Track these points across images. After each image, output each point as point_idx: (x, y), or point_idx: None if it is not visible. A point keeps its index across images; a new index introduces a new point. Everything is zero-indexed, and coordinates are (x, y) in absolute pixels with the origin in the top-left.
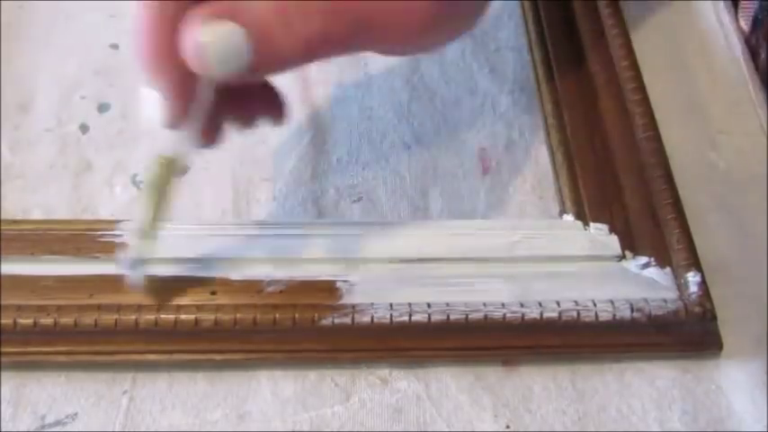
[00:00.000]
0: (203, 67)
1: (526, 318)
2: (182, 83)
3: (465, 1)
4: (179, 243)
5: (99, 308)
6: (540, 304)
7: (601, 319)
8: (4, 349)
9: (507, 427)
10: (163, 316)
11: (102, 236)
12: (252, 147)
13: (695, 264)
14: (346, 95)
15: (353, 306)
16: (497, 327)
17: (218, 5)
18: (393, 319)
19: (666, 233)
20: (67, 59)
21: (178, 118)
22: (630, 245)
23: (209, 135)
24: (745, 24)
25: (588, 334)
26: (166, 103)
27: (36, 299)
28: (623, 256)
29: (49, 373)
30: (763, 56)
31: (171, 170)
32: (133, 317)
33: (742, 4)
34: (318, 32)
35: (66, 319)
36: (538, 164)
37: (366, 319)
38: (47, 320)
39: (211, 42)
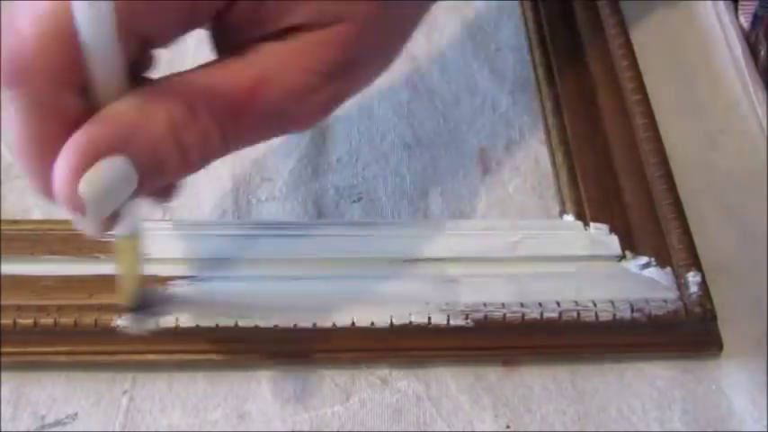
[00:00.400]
0: (89, 212)
1: (526, 318)
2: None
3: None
4: (179, 243)
5: (99, 308)
6: (541, 304)
7: (601, 319)
8: (4, 349)
9: (507, 427)
10: (163, 316)
11: (102, 236)
12: (252, 147)
13: (695, 264)
14: None
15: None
16: (497, 327)
17: (102, 131)
18: (392, 318)
19: (666, 233)
20: None
21: (103, 225)
22: (630, 245)
23: (161, 195)
24: (745, 21)
25: (588, 334)
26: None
27: (36, 299)
28: (623, 256)
29: (49, 373)
30: (762, 53)
31: (134, 243)
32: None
33: (742, 3)
34: (216, 144)
35: (66, 319)
36: (538, 164)
37: (366, 318)
38: (47, 320)
39: (93, 190)
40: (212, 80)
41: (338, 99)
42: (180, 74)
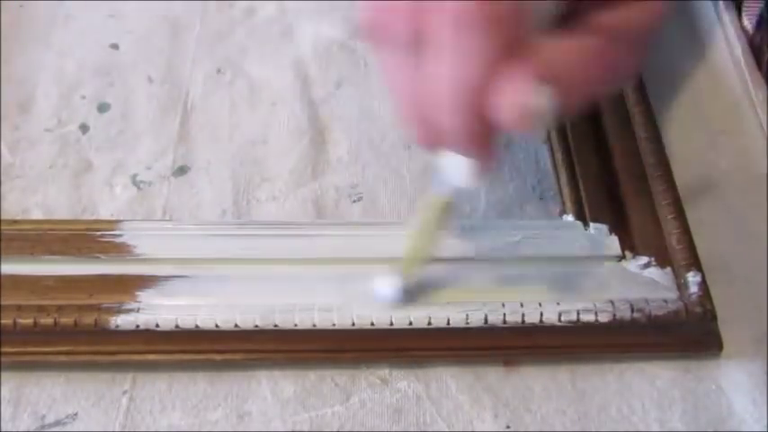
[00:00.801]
0: (524, 128)
1: (526, 318)
2: (492, 141)
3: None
4: (179, 243)
5: (99, 308)
6: (540, 304)
7: (601, 319)
8: (4, 349)
9: (507, 427)
10: (163, 316)
11: (102, 236)
12: (252, 147)
13: (695, 264)
14: (346, 95)
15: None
16: (497, 327)
17: (533, 65)
18: (393, 319)
19: (666, 233)
20: (67, 59)
21: (487, 171)
22: (630, 245)
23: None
24: (748, 23)
25: (588, 334)
26: (477, 164)
27: (36, 299)
28: (623, 256)
29: (49, 373)
30: (767, 54)
31: (446, 211)
32: (133, 317)
33: (746, 4)
34: (610, 69)
35: (66, 319)
36: (538, 164)
37: (365, 318)
38: (47, 320)
39: (537, 105)
40: (602, 20)
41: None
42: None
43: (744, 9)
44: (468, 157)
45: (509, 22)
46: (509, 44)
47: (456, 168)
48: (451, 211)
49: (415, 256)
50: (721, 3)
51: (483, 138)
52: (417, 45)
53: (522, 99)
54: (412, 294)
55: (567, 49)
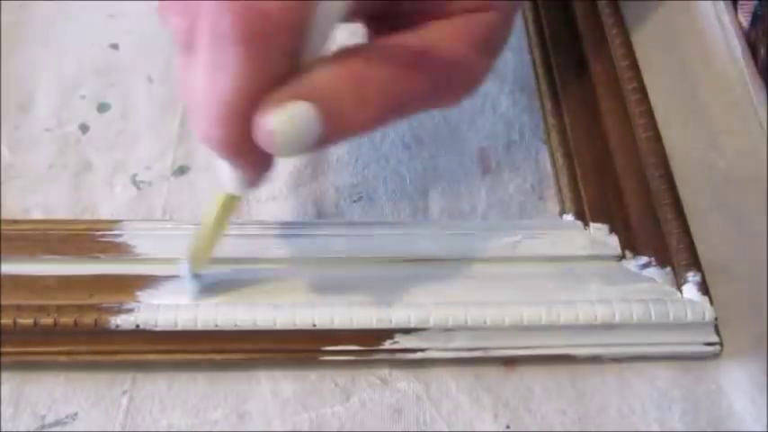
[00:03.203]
0: (276, 152)
1: (526, 318)
2: (260, 160)
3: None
4: (179, 243)
5: (99, 308)
6: (540, 304)
7: (601, 319)
8: (4, 349)
9: (507, 427)
10: (163, 316)
11: (102, 236)
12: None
13: (695, 264)
14: None
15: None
16: (497, 327)
17: (291, 89)
18: (393, 319)
19: (666, 233)
20: (67, 59)
21: (255, 183)
22: (630, 245)
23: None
24: (744, 20)
25: (588, 334)
26: (244, 175)
27: (36, 299)
28: (623, 256)
29: (49, 373)
30: (762, 52)
31: (229, 207)
32: (133, 317)
33: (741, 1)
34: (391, 101)
35: (66, 319)
36: (538, 164)
37: (366, 318)
38: (47, 320)
39: (282, 129)
40: (389, 43)
41: (482, 75)
42: (360, 44)
43: (738, 6)
44: (233, 165)
45: (271, 38)
46: (270, 62)
47: (226, 173)
48: (234, 209)
49: (200, 252)
50: (721, 3)
51: (243, 152)
52: (190, 45)
53: (281, 121)
54: (398, 295)
55: (340, 79)
